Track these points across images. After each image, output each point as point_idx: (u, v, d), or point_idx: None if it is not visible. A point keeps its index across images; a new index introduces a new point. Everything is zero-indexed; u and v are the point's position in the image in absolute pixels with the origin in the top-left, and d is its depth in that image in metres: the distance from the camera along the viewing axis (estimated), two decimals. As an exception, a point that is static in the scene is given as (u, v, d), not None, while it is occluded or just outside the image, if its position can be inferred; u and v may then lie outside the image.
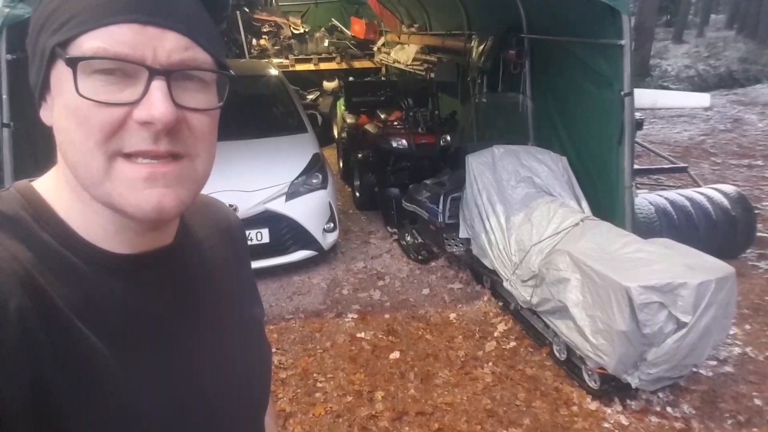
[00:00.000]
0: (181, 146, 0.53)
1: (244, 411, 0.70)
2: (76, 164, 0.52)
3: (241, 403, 0.68)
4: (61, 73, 0.50)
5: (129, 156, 0.51)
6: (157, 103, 0.49)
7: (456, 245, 4.19)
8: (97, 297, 0.54)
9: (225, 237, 0.74)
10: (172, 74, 0.51)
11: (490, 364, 3.15)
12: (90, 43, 0.49)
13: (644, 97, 10.68)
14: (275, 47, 9.37)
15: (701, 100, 11.28)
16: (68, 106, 0.50)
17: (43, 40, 0.51)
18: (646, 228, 3.81)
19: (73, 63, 0.48)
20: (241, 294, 0.75)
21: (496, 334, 3.46)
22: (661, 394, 2.81)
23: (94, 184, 0.51)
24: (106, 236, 0.56)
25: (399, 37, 8.36)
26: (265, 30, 9.53)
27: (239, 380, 0.68)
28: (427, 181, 4.59)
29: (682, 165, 5.66)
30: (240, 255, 0.77)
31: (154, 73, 0.50)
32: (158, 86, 0.50)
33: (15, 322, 0.46)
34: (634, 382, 2.64)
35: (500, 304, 3.76)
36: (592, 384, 2.84)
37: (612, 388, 2.79)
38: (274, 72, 5.64)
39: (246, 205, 3.86)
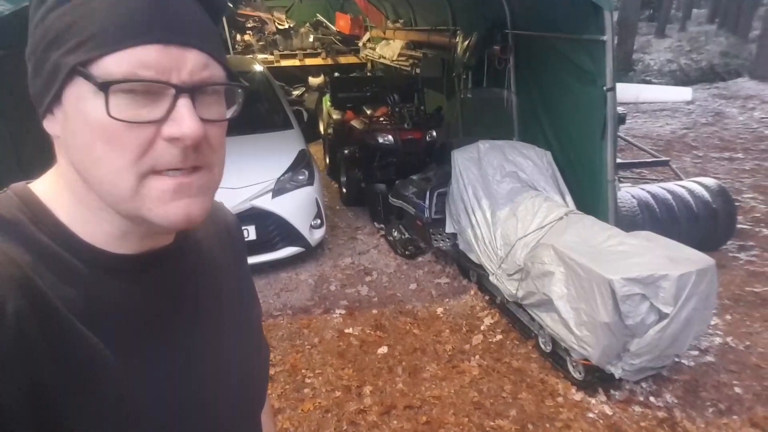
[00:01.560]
0: (202, 159, 0.54)
1: (243, 410, 0.70)
2: (102, 181, 0.52)
3: (239, 402, 0.69)
4: (80, 91, 0.50)
5: (158, 171, 0.52)
6: (186, 120, 0.50)
7: (442, 240, 4.21)
8: (97, 297, 0.55)
9: (223, 237, 0.75)
10: (195, 91, 0.52)
11: (477, 357, 3.19)
12: (118, 65, 0.49)
13: (627, 91, 10.81)
14: (260, 43, 9.32)
15: (683, 94, 11.42)
16: (93, 125, 0.50)
17: (56, 56, 0.50)
18: (629, 221, 3.86)
19: (105, 87, 0.48)
20: (241, 294, 0.75)
21: (482, 327, 3.50)
22: (644, 384, 2.86)
23: (123, 200, 0.52)
24: (107, 239, 0.57)
25: (384, 33, 8.35)
26: (249, 25, 9.47)
27: (238, 380, 0.69)
28: (414, 177, 4.61)
29: (664, 159, 5.74)
30: (238, 255, 0.78)
31: (180, 90, 0.51)
32: (184, 104, 0.51)
33: (12, 326, 0.46)
34: (617, 372, 2.69)
35: (486, 297, 3.80)
36: (576, 375, 2.88)
37: (596, 379, 2.83)
38: (258, 68, 5.61)
39: (232, 202, 3.84)
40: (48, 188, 0.57)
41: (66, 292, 0.52)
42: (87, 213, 0.56)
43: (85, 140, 0.51)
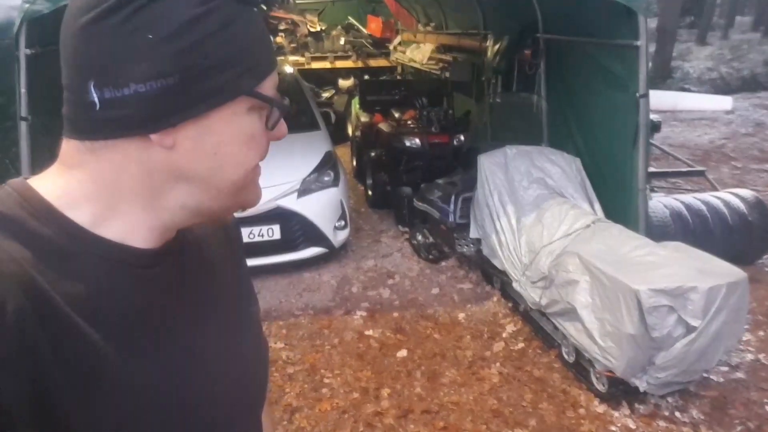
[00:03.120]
0: None
1: (245, 406, 0.71)
2: (236, 181, 0.60)
3: (241, 399, 0.69)
4: (237, 108, 0.57)
5: None
6: (282, 126, 0.63)
7: (466, 245, 4.18)
8: (99, 294, 0.55)
9: (222, 235, 0.75)
10: None
11: (498, 364, 3.15)
12: (268, 88, 0.60)
13: (664, 99, 10.54)
14: (291, 45, 9.43)
15: (723, 103, 11.08)
16: (247, 134, 0.59)
17: (221, 79, 0.55)
18: (660, 231, 3.76)
19: (272, 104, 0.59)
20: (240, 291, 0.76)
21: (504, 335, 3.45)
22: (670, 399, 2.78)
23: (239, 188, 0.61)
24: (123, 231, 0.57)
25: (415, 36, 8.36)
26: (281, 28, 9.59)
27: (240, 376, 0.69)
28: (440, 181, 4.59)
29: (699, 168, 5.57)
30: (237, 253, 0.78)
31: (279, 107, 0.61)
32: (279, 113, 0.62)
33: (13, 325, 0.46)
34: (642, 386, 2.62)
35: (509, 305, 3.75)
36: (600, 387, 2.81)
37: (620, 392, 2.76)
38: (288, 69, 5.68)
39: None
40: (49, 183, 0.57)
41: (68, 289, 0.52)
42: (107, 211, 0.56)
43: (229, 149, 0.58)
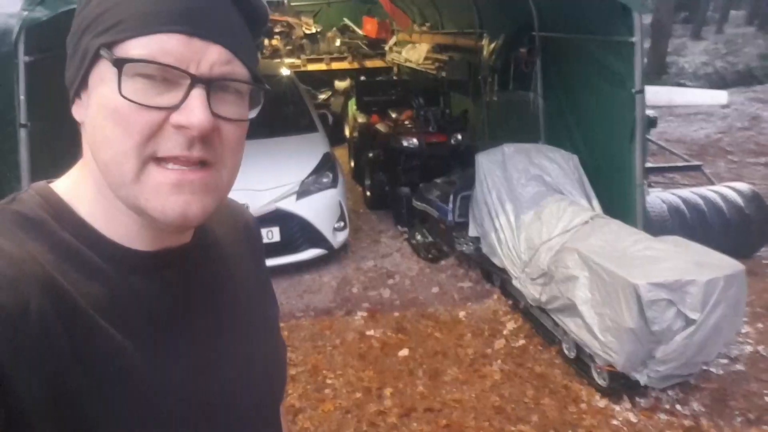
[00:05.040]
0: (211, 154, 0.54)
1: (263, 407, 0.71)
2: (108, 163, 0.53)
3: (260, 400, 0.69)
4: (103, 72, 0.52)
5: (160, 161, 0.52)
6: (195, 110, 0.51)
7: (466, 244, 4.19)
8: (119, 294, 0.55)
9: (242, 236, 0.75)
10: (212, 84, 0.52)
11: (499, 361, 3.16)
12: (138, 48, 0.50)
13: (659, 94, 10.53)
14: (287, 47, 9.44)
15: (718, 97, 11.05)
16: (108, 106, 0.51)
17: (86, 40, 0.53)
18: (659, 226, 3.77)
19: (119, 64, 0.50)
20: (259, 292, 0.76)
21: (505, 332, 3.47)
22: (670, 392, 2.79)
23: (124, 184, 0.52)
24: (128, 234, 0.57)
25: (411, 36, 8.37)
26: (277, 30, 9.60)
27: (259, 377, 0.69)
28: (438, 180, 4.60)
29: (696, 163, 5.60)
30: (256, 254, 0.78)
31: (195, 81, 0.51)
32: (198, 94, 0.51)
33: (35, 324, 0.47)
34: (642, 379, 2.63)
35: (510, 302, 3.76)
36: (600, 381, 2.83)
37: (621, 386, 2.77)
38: (285, 72, 5.69)
39: (257, 203, 3.90)
40: (70, 184, 0.59)
41: (88, 290, 0.53)
42: (107, 205, 0.56)
43: (99, 122, 0.53)
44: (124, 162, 0.52)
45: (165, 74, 0.51)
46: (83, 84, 0.54)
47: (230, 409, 0.63)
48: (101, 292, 0.54)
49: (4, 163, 2.93)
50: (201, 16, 0.52)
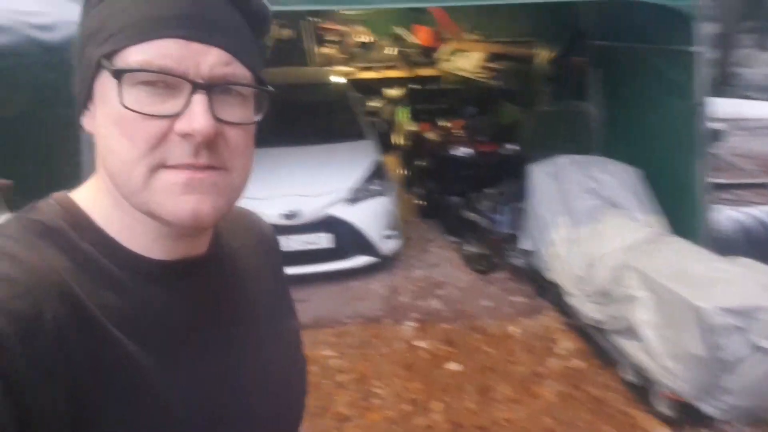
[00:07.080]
0: (217, 159, 0.53)
1: (281, 423, 0.70)
2: (117, 173, 0.53)
3: (276, 414, 0.68)
4: (105, 83, 0.52)
5: (169, 168, 0.52)
6: (197, 116, 0.50)
7: (516, 257, 4.10)
8: (135, 305, 0.55)
9: (259, 248, 0.74)
10: (213, 88, 0.52)
11: (552, 381, 3.06)
12: (135, 56, 0.50)
13: (725, 107, 10.08)
14: (340, 55, 9.56)
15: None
16: (112, 116, 0.52)
17: (89, 51, 0.53)
18: (726, 246, 3.58)
19: (118, 74, 0.50)
20: (277, 305, 0.75)
21: (558, 350, 3.36)
22: (738, 427, 2.63)
23: (134, 192, 0.53)
24: (145, 243, 0.57)
25: (462, 45, 8.31)
26: (330, 39, 9.74)
27: (276, 391, 0.68)
28: (489, 190, 4.53)
29: (766, 180, 5.30)
30: (275, 266, 0.77)
31: (196, 86, 0.51)
32: (199, 100, 0.51)
33: (51, 333, 0.47)
34: (708, 410, 2.48)
35: (564, 319, 3.65)
36: (662, 409, 2.69)
37: (685, 416, 2.63)
38: (336, 79, 5.75)
39: (308, 209, 3.94)
40: (88, 194, 0.59)
41: (104, 300, 0.53)
42: (122, 215, 0.56)
43: (105, 132, 0.53)
44: (132, 171, 0.52)
45: (166, 81, 0.51)
46: (89, 95, 0.55)
47: (245, 422, 0.62)
48: (117, 301, 0.54)
49: (67, 164, 3.06)
50: (199, 19, 0.52)
